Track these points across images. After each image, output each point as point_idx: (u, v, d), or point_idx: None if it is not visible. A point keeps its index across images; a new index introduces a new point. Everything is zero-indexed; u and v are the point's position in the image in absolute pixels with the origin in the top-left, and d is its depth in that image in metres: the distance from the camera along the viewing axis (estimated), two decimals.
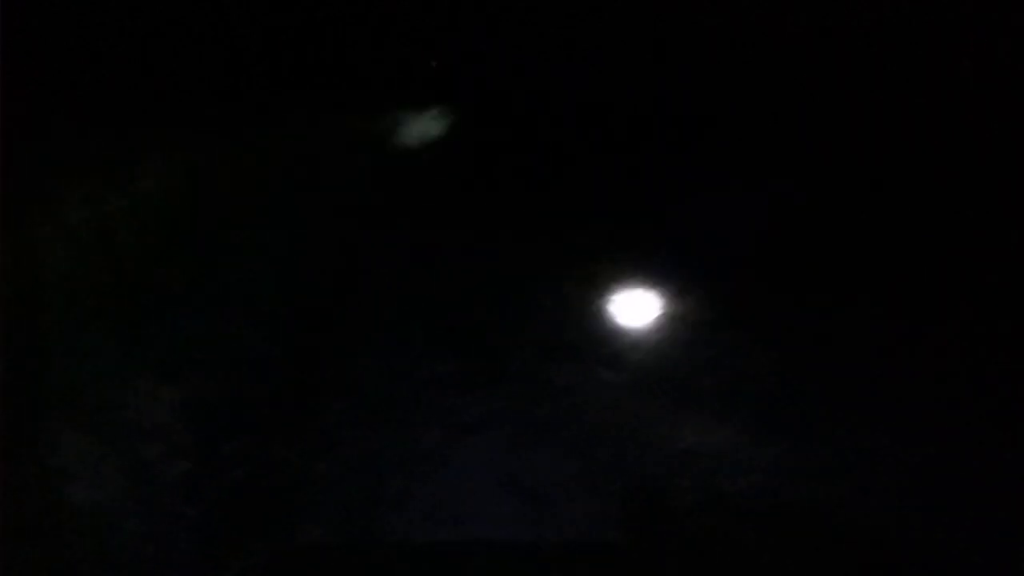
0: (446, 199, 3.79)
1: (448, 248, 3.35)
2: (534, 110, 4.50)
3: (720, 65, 4.62)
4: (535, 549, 2.11)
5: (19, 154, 2.72)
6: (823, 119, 4.26)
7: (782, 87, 4.51)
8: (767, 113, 4.41)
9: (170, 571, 2.09)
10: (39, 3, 3.42)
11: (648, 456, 2.33)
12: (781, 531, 2.16)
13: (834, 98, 4.36)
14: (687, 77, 4.67)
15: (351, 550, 2.07)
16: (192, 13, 3.95)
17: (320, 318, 2.88)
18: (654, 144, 4.30)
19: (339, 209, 3.57)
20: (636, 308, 2.98)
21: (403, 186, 3.84)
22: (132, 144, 3.06)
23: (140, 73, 3.67)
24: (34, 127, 2.91)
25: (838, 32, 4.46)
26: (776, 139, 4.18)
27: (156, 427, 2.27)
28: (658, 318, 2.93)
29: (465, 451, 2.32)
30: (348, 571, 2.07)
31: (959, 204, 3.51)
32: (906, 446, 2.31)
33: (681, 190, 3.83)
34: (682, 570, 2.10)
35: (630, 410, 2.48)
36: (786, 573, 2.11)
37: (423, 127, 4.21)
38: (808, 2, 4.56)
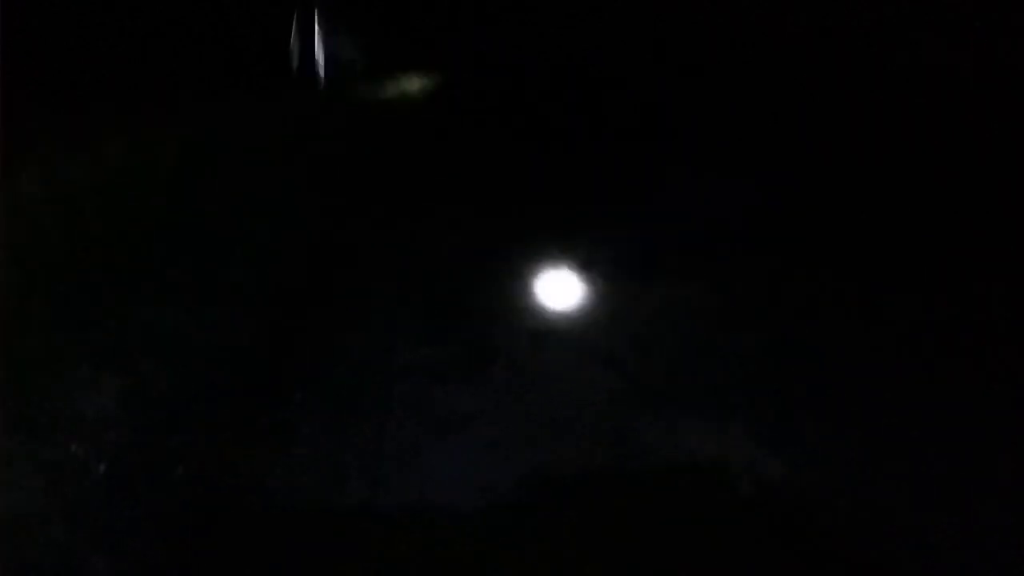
0: (426, 182, 3.65)
1: (427, 230, 3.20)
2: (521, 96, 4.39)
3: (714, 54, 4.53)
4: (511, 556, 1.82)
5: None
6: (817, 108, 4.18)
7: (771, 76, 4.42)
8: (761, 98, 4.33)
9: None
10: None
11: (640, 456, 2.05)
12: (783, 529, 1.89)
13: (825, 87, 4.28)
14: (678, 63, 4.57)
15: (303, 560, 1.76)
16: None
17: (285, 300, 2.62)
18: (647, 132, 4.19)
19: (310, 191, 3.35)
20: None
21: (381, 170, 3.70)
22: (85, 125, 2.85)
23: (109, 54, 3.49)
24: None
25: (824, 24, 4.39)
26: (769, 123, 4.10)
27: (90, 419, 1.99)
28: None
29: (440, 450, 2.04)
30: None
31: (954, 190, 3.43)
32: (899, 440, 2.11)
33: (675, 176, 3.70)
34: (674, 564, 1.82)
35: (624, 405, 2.22)
36: (782, 567, 1.82)
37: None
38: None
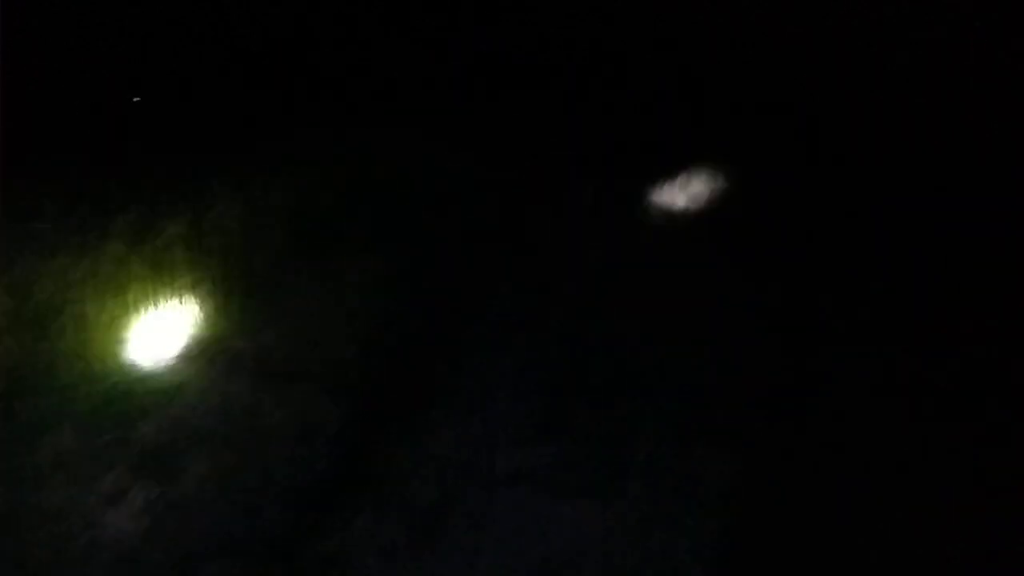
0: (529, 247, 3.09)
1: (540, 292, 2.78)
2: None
3: (719, 51, 4.53)
4: None
5: None
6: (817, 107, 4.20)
7: (771, 76, 4.43)
8: (761, 98, 4.35)
9: None
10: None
11: None
12: None
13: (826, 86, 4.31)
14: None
15: None
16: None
17: (358, 394, 2.15)
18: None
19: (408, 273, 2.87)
20: None
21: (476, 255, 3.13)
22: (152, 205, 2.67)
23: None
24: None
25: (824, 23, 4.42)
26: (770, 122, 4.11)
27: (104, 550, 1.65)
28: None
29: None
30: None
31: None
32: None
33: None
34: None
35: None
36: None
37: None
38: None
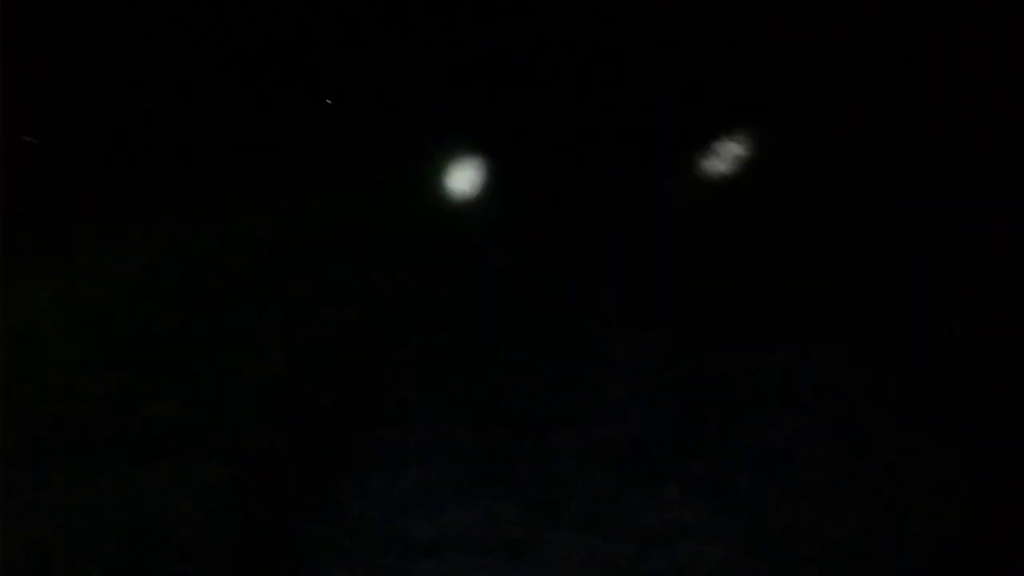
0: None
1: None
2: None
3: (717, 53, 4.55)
4: None
5: None
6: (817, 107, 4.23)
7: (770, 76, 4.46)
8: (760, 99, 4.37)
9: None
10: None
11: None
12: None
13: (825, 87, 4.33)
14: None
15: None
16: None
17: (269, 453, 1.92)
18: None
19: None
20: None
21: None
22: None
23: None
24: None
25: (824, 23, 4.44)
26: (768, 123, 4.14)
27: None
28: None
29: None
30: None
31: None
32: None
33: None
34: None
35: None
36: None
37: None
38: None
